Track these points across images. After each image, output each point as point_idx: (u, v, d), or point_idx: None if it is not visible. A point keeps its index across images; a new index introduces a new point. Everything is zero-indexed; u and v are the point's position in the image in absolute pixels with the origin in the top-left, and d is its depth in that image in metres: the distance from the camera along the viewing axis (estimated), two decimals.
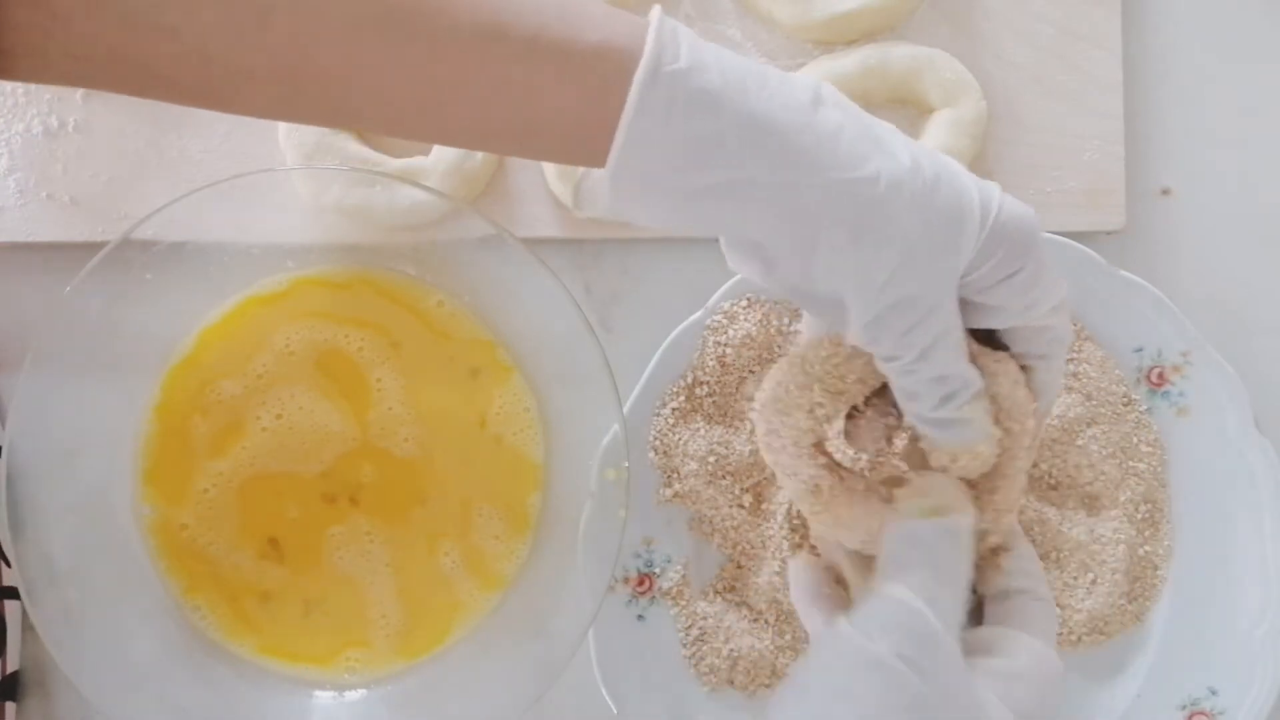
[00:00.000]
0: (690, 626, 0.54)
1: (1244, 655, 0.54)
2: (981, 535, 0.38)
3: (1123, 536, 0.54)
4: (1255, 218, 0.59)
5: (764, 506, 0.55)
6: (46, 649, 0.47)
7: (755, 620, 0.54)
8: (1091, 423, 0.55)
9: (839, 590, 0.40)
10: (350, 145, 0.53)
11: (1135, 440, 0.56)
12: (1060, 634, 0.54)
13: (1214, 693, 0.54)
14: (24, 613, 0.53)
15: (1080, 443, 0.55)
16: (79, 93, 0.54)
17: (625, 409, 0.52)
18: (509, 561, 0.53)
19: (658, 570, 0.54)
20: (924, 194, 0.34)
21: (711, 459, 0.53)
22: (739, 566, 0.55)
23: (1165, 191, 0.59)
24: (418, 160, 0.54)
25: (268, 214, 0.52)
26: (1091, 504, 0.55)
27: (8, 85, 0.54)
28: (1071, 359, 0.55)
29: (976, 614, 0.39)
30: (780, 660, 0.54)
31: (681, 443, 0.54)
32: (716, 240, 0.37)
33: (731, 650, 0.54)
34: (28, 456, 0.48)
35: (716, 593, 0.55)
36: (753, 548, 0.54)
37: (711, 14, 0.57)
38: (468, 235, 0.51)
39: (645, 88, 0.32)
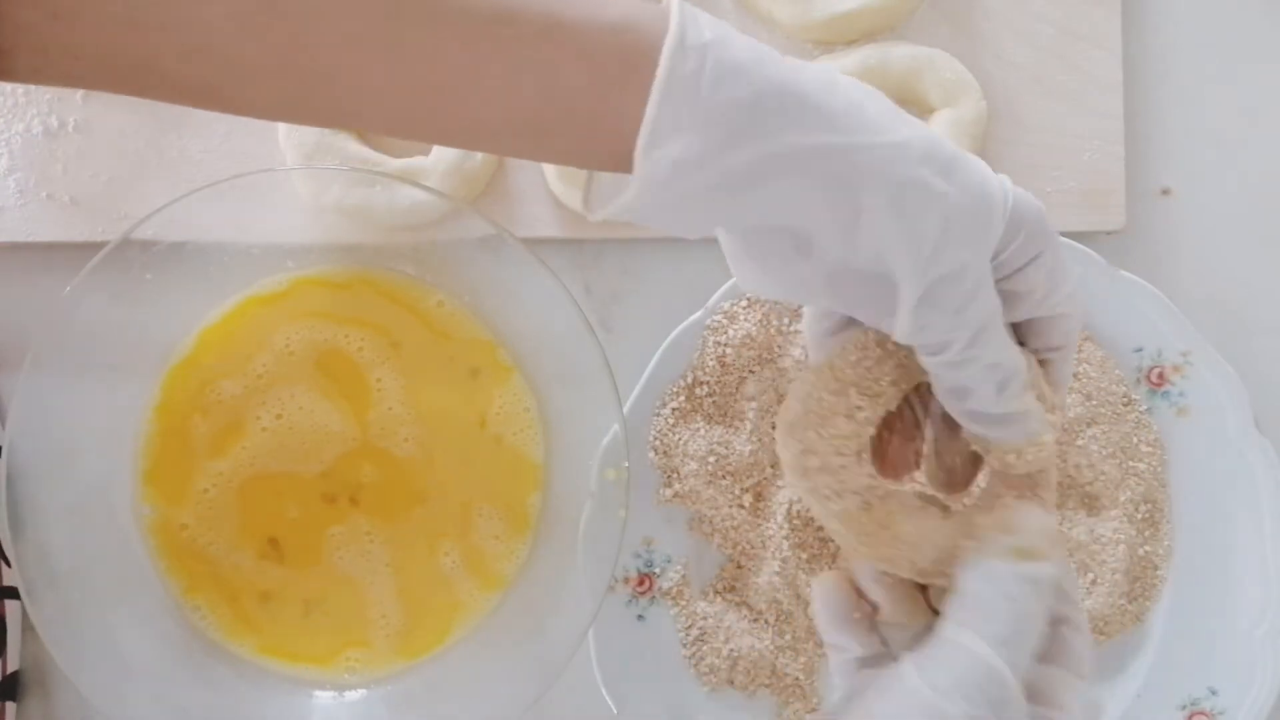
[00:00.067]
0: (690, 626, 0.54)
1: (1244, 655, 0.54)
2: None
3: (1123, 536, 0.54)
4: (1255, 218, 0.59)
5: (764, 506, 0.55)
6: (46, 649, 0.47)
7: (755, 620, 0.54)
8: (1091, 423, 0.55)
9: (867, 611, 0.37)
10: (350, 145, 0.53)
11: (1135, 440, 0.56)
12: None
13: (1214, 693, 0.54)
14: (24, 613, 0.53)
15: (1080, 443, 0.55)
16: (79, 93, 0.54)
17: (625, 409, 0.52)
18: (509, 561, 0.53)
19: (658, 570, 0.54)
20: (951, 165, 0.33)
21: (711, 459, 0.53)
22: (739, 566, 0.55)
23: (1165, 191, 0.59)
24: (418, 160, 0.54)
25: (268, 214, 0.52)
26: (1091, 504, 0.55)
27: (8, 85, 0.54)
28: None
29: None
30: (780, 660, 0.54)
31: (681, 443, 0.54)
32: (716, 240, 0.37)
33: (731, 650, 0.54)
34: (28, 456, 0.48)
35: (716, 593, 0.55)
36: (753, 548, 0.54)
37: (711, 14, 0.56)
38: (468, 235, 0.51)
39: (674, 58, 0.31)
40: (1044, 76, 0.57)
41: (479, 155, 0.53)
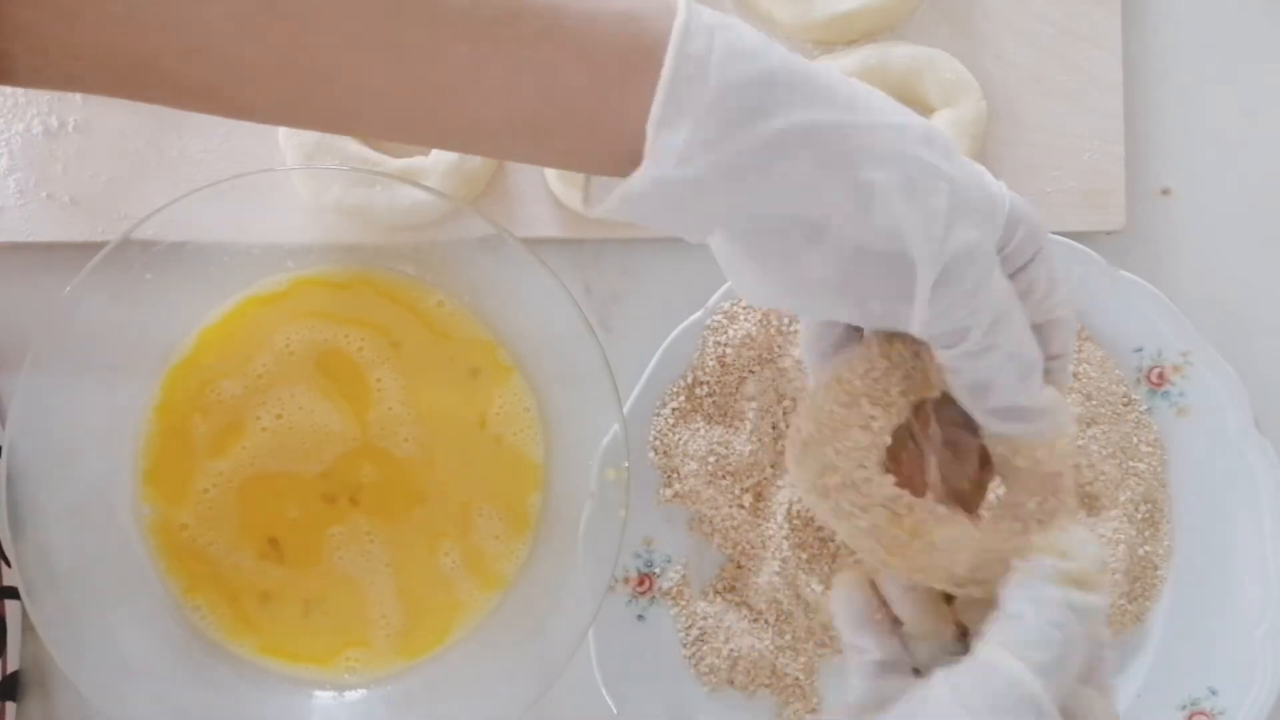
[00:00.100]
0: (690, 626, 0.54)
1: (1244, 655, 0.54)
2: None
3: (1123, 536, 0.54)
4: (1255, 218, 0.59)
5: (764, 506, 0.55)
6: (46, 649, 0.47)
7: (755, 620, 0.54)
8: (1091, 423, 0.55)
9: (888, 613, 0.36)
10: (350, 145, 0.53)
11: (1135, 440, 0.56)
12: None
13: (1214, 693, 0.54)
14: (24, 613, 0.53)
15: (1080, 443, 0.55)
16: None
17: (625, 409, 0.52)
18: (509, 561, 0.53)
19: (658, 570, 0.54)
20: (950, 150, 0.33)
21: (711, 459, 0.53)
22: (739, 566, 0.55)
23: (1165, 191, 0.59)
24: (418, 160, 0.54)
25: (268, 214, 0.52)
26: (1091, 504, 0.55)
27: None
28: None
29: None
30: (780, 660, 0.54)
31: (681, 443, 0.54)
32: None
33: (731, 650, 0.54)
34: (28, 456, 0.48)
35: (716, 593, 0.55)
36: (753, 548, 0.54)
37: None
38: (468, 235, 0.51)
39: (683, 38, 0.31)
40: (1044, 76, 0.57)
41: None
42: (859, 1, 0.54)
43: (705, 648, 0.54)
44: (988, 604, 0.34)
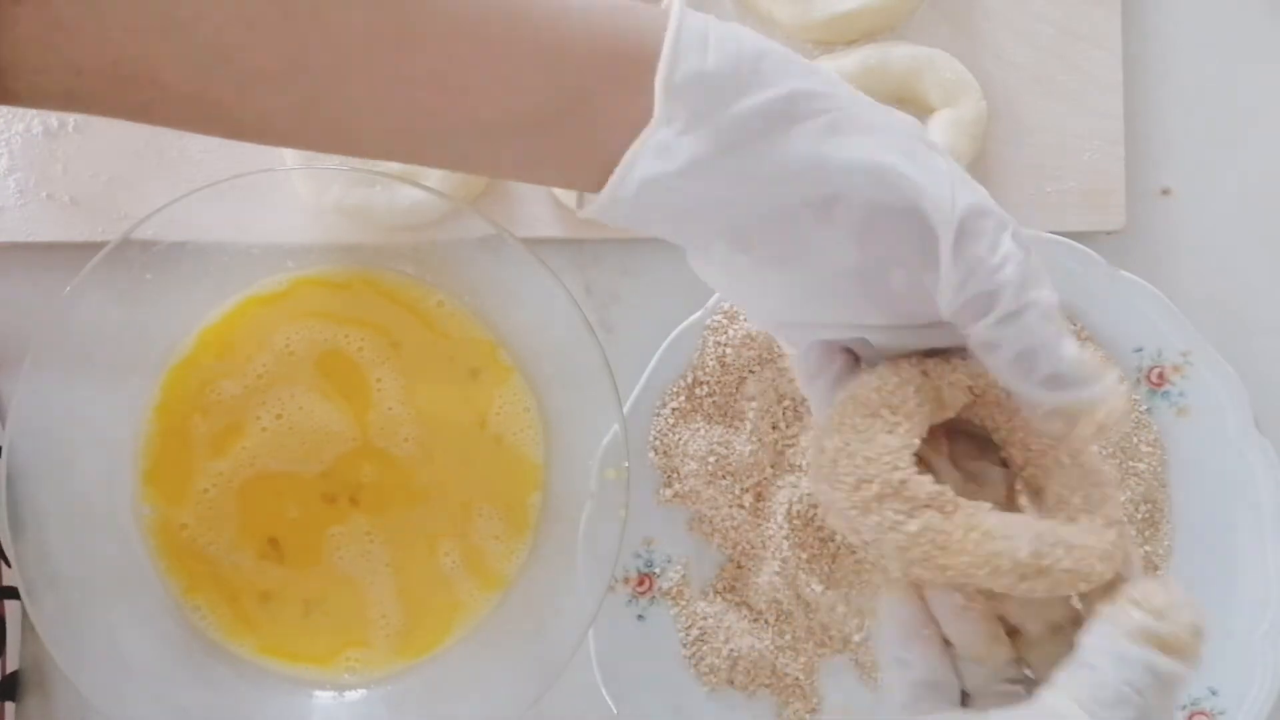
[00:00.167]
0: (690, 626, 0.54)
1: (1244, 655, 0.54)
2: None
3: None
4: (1255, 218, 0.59)
5: (764, 506, 0.55)
6: (46, 649, 0.47)
7: (755, 620, 0.54)
8: None
9: (937, 630, 0.34)
10: None
11: (1135, 440, 0.56)
12: None
13: (1214, 693, 0.54)
14: (24, 613, 0.53)
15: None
16: None
17: (625, 409, 0.52)
18: (509, 561, 0.53)
19: (658, 570, 0.54)
20: (933, 144, 0.34)
21: (711, 459, 0.53)
22: (739, 566, 0.55)
23: (1165, 191, 0.59)
24: None
25: (268, 214, 0.52)
26: None
27: None
28: None
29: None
30: (780, 660, 0.54)
31: (681, 443, 0.54)
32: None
33: (731, 650, 0.54)
34: (28, 456, 0.48)
35: (716, 593, 0.55)
36: (753, 548, 0.54)
37: (712, 14, 0.57)
38: (468, 235, 0.51)
39: (681, 18, 0.32)
40: (1044, 76, 0.57)
41: None
42: (859, 1, 0.54)
43: (705, 648, 0.54)
44: (1058, 646, 0.32)
